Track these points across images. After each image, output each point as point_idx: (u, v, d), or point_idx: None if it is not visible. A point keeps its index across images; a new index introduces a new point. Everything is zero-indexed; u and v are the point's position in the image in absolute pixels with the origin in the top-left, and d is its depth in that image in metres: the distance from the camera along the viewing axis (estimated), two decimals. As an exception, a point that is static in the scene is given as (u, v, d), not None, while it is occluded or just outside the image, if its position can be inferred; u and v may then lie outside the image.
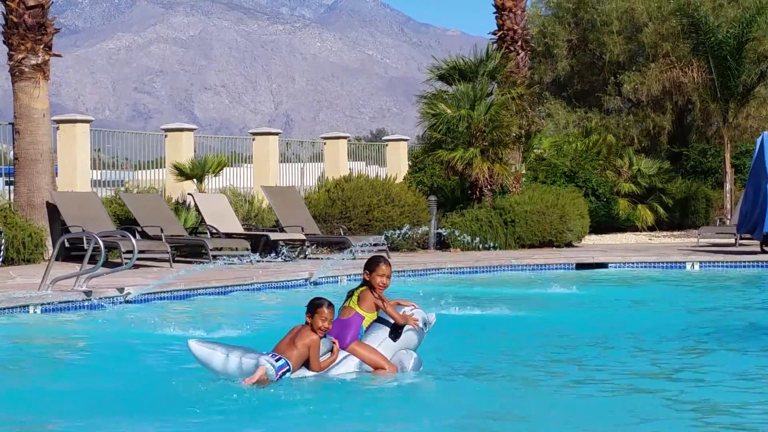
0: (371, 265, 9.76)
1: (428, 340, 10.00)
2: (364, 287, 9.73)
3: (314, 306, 9.32)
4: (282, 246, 23.44)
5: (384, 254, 22.56)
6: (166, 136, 27.59)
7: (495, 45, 29.06)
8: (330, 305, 9.36)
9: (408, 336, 9.72)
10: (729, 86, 31.67)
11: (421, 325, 9.79)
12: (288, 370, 9.17)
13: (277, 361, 9.14)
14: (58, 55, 22.80)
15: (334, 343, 9.44)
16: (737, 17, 32.98)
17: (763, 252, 23.13)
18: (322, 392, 9.20)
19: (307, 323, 9.30)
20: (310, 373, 9.35)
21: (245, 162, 31.53)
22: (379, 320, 9.74)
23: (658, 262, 22.38)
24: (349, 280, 18.76)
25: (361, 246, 21.42)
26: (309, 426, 8.32)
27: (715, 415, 8.45)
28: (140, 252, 18.97)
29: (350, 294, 9.80)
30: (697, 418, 8.31)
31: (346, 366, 9.45)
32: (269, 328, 12.71)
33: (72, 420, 8.39)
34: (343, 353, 9.46)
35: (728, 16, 36.26)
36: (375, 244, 22.87)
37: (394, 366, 9.56)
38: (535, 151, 32.58)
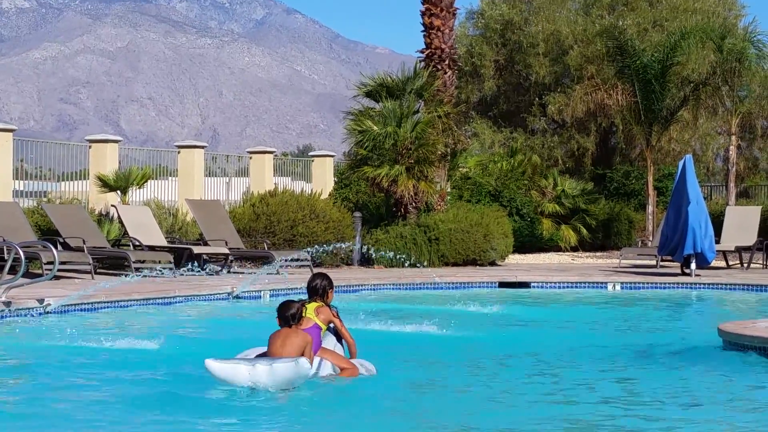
0: (332, 285, 10.67)
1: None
2: (321, 303, 10.54)
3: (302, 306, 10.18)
4: (205, 259, 23.36)
5: (309, 269, 22.58)
6: (90, 147, 27.40)
7: (423, 63, 29.17)
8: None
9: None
10: (653, 109, 32.01)
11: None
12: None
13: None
14: (-18, 63, 22.57)
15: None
16: (662, 42, 33.35)
17: (684, 274, 23.39)
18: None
19: (291, 326, 9.92)
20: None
21: (170, 175, 31.38)
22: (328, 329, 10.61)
23: (580, 282, 22.55)
24: (272, 295, 18.73)
25: (285, 261, 21.41)
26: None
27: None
28: (62, 263, 18.83)
29: (303, 305, 10.36)
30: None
31: (327, 369, 10.14)
32: (190, 341, 12.65)
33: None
34: (317, 358, 10.11)
35: (653, 40, 36.69)
36: (298, 259, 22.89)
37: (357, 368, 10.31)
38: (460, 169, 32.76)
